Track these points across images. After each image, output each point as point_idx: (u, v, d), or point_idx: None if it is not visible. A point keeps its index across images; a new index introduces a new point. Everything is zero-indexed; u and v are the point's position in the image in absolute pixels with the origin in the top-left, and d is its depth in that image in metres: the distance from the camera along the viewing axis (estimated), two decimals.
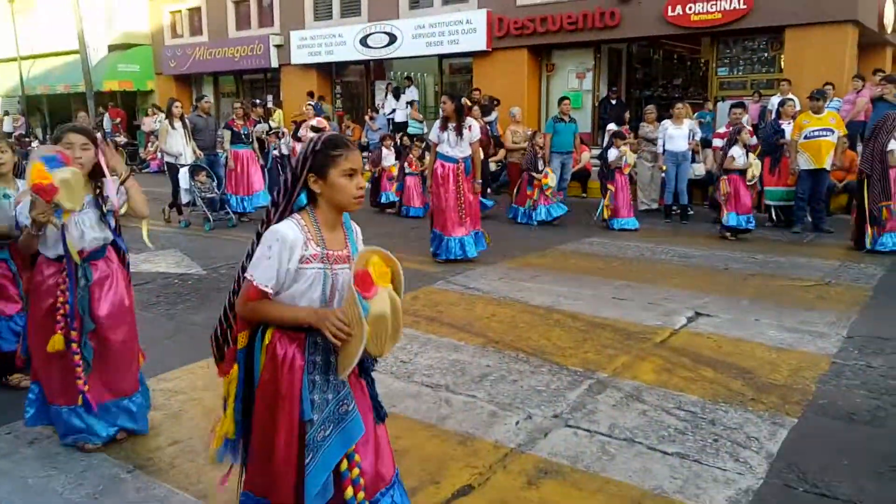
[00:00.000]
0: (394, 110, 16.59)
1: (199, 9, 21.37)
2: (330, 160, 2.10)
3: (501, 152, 12.93)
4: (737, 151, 8.48)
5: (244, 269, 2.20)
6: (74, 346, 3.14)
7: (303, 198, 2.16)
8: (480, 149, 7.39)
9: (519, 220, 10.03)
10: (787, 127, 9.25)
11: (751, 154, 8.72)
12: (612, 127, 11.05)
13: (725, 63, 13.85)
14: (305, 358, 2.15)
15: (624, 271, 6.99)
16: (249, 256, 2.19)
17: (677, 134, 10.03)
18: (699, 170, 11.01)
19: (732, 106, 9.94)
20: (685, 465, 3.15)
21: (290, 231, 2.09)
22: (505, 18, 15.08)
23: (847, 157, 9.99)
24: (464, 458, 3.23)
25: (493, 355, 4.57)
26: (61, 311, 3.14)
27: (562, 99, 11.52)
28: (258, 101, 14.07)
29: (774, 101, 11.31)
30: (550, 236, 8.89)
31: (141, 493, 2.96)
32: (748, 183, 8.56)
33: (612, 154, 9.53)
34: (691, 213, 10.54)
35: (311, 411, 2.12)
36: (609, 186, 9.45)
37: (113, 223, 3.31)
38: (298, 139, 12.41)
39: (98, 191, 3.23)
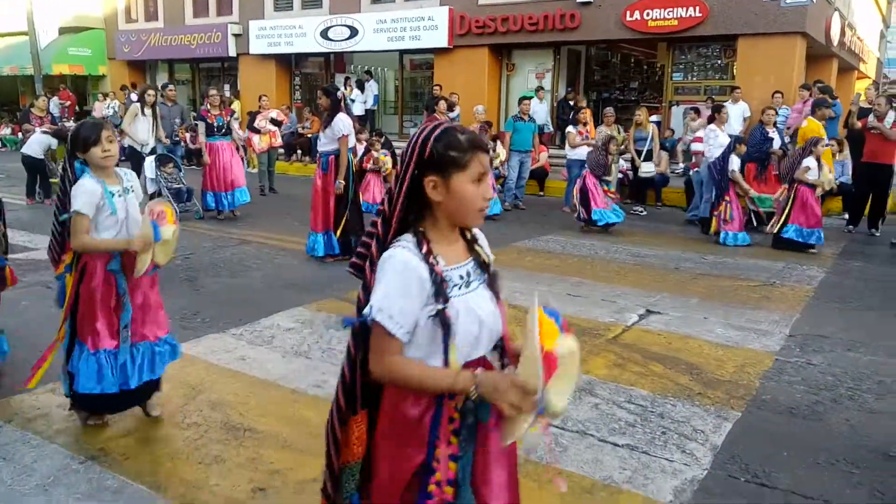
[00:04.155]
0: (353, 101, 16.53)
1: None
2: (451, 161, 1.68)
3: None
4: (811, 163, 8.03)
5: None
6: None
7: None
8: (346, 146, 7.05)
9: (601, 223, 9.05)
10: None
11: (826, 168, 8.19)
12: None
13: (680, 68, 14.20)
14: None
15: (579, 269, 7.13)
16: None
17: (725, 141, 9.02)
18: (648, 168, 11.11)
19: (713, 110, 9.74)
20: (634, 456, 3.25)
21: None
22: (466, 16, 15.16)
23: None
24: None
25: None
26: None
27: (522, 98, 11.65)
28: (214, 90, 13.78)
29: (730, 107, 11.60)
30: (509, 233, 9.00)
31: (93, 483, 2.92)
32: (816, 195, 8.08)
33: (735, 163, 8.52)
34: (644, 213, 10.79)
35: None
36: (725, 197, 8.51)
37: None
38: (256, 130, 12.23)
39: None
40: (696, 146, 9.62)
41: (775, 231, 8.28)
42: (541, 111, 13.84)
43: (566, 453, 3.25)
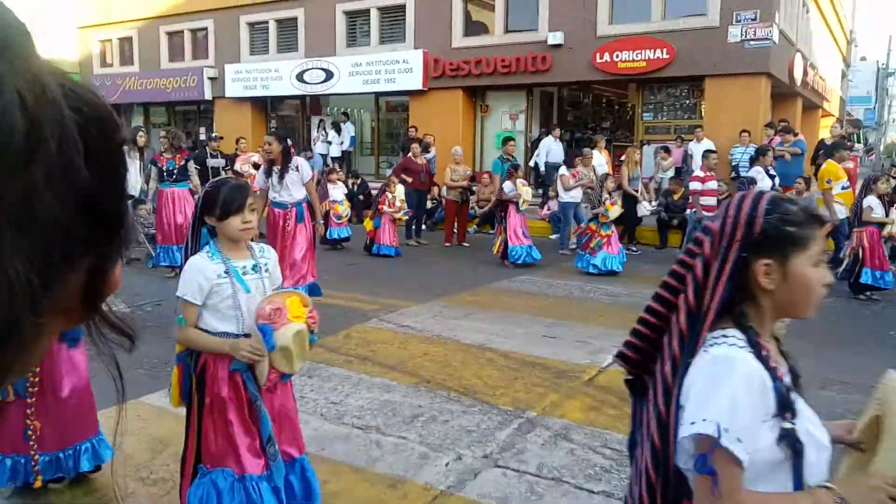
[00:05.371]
0: (330, 143, 16.66)
1: (130, 38, 21.01)
2: (789, 239, 1.35)
3: (435, 189, 13.09)
4: (873, 201, 7.68)
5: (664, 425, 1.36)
6: None
7: None
8: (314, 186, 6.96)
9: (590, 270, 8.93)
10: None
11: (893, 210, 7.86)
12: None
13: (650, 108, 14.51)
14: None
15: (554, 309, 7.14)
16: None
17: (768, 184, 8.79)
18: (647, 206, 11.14)
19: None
20: (611, 503, 3.21)
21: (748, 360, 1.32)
22: (441, 59, 15.41)
23: None
24: (394, 501, 3.21)
25: (425, 395, 4.57)
26: None
27: (506, 139, 11.77)
28: (187, 132, 13.63)
29: (692, 146, 11.88)
30: (482, 274, 9.01)
31: None
32: (883, 236, 7.74)
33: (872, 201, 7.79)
34: (639, 252, 10.82)
35: None
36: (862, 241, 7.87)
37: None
38: (238, 174, 12.13)
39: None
40: (693, 185, 9.57)
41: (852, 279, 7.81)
42: (556, 149, 13.34)
43: (541, 501, 3.21)
